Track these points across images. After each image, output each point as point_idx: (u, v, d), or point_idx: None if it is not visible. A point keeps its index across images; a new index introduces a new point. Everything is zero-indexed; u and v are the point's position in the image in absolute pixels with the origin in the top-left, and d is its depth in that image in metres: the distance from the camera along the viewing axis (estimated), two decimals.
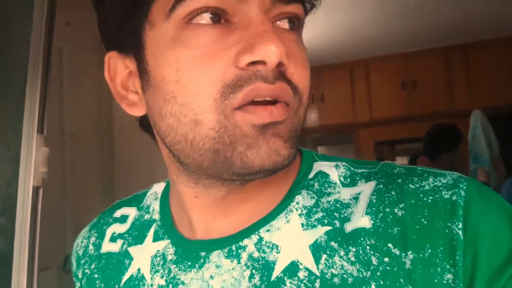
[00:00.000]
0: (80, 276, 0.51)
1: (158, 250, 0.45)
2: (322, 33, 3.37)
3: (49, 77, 0.78)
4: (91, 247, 0.51)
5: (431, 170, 0.40)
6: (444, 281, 0.34)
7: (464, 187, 0.36)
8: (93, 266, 0.50)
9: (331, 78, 4.13)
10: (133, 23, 0.38)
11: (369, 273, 0.36)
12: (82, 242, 0.53)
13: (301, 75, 0.38)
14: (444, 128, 2.59)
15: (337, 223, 0.39)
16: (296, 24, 0.39)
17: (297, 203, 0.41)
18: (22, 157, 0.74)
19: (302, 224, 0.40)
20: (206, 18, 0.35)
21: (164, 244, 0.45)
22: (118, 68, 0.42)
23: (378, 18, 3.14)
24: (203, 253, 0.41)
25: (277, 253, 0.39)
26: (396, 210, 0.37)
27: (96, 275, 0.49)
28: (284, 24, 0.38)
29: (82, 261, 0.51)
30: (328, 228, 0.39)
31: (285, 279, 0.37)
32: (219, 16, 0.36)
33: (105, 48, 0.43)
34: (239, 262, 0.40)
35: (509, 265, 0.33)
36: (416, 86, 3.73)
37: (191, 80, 0.35)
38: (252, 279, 0.38)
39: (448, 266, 0.34)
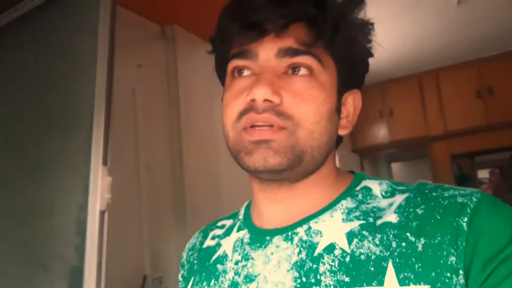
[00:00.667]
0: (185, 264, 0.69)
1: (239, 237, 0.61)
2: (383, 47, 3.33)
3: (111, 117, 0.92)
4: (197, 244, 0.70)
5: (456, 187, 0.51)
6: (449, 262, 0.44)
7: (478, 196, 0.47)
8: (195, 255, 0.68)
9: (399, 91, 4.01)
10: (222, 75, 0.61)
11: (388, 253, 0.47)
12: (192, 240, 0.72)
13: (299, 107, 0.51)
14: None
15: (371, 219, 0.51)
16: (308, 70, 0.53)
17: (341, 205, 0.55)
18: (90, 186, 0.88)
19: (343, 219, 0.53)
20: (239, 73, 0.55)
21: (243, 232, 0.61)
22: None
23: (443, 27, 3.03)
24: (268, 237, 0.56)
25: (320, 236, 0.52)
26: (417, 210, 0.49)
27: (195, 261, 0.67)
28: (294, 71, 0.53)
29: (190, 253, 0.69)
30: (362, 222, 0.51)
31: (324, 254, 0.50)
32: (245, 70, 0.55)
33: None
34: (292, 243, 0.54)
35: (503, 252, 0.42)
36: (492, 93, 3.49)
37: (226, 109, 0.55)
38: (300, 254, 0.52)
39: (452, 250, 0.44)
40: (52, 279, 0.93)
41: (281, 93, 0.51)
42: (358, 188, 0.57)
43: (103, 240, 0.87)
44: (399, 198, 0.52)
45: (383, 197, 0.54)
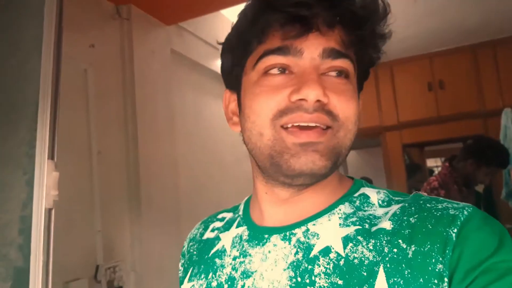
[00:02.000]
0: (186, 253, 0.71)
1: (238, 233, 0.62)
2: None
3: (58, 108, 0.86)
4: (198, 235, 0.72)
5: (450, 200, 0.52)
6: (436, 270, 0.45)
7: (469, 210, 0.48)
8: (195, 246, 0.70)
9: None
10: (236, 71, 0.59)
11: (380, 257, 0.48)
12: (194, 231, 0.74)
13: (343, 107, 0.52)
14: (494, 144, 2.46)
15: (366, 226, 0.53)
16: (345, 73, 0.54)
17: (339, 209, 0.56)
18: (35, 182, 0.81)
19: (340, 224, 0.54)
20: (275, 70, 0.53)
21: (243, 229, 0.62)
22: (230, 100, 0.63)
23: (399, 21, 3.10)
24: (266, 235, 0.58)
25: (317, 239, 0.54)
26: (411, 218, 0.50)
27: (195, 252, 0.68)
28: (334, 74, 0.53)
29: (191, 244, 0.71)
30: (358, 227, 0.53)
31: (320, 256, 0.52)
32: (284, 69, 0.53)
33: (225, 86, 0.65)
34: (289, 243, 0.55)
35: (484, 263, 0.44)
36: (443, 86, 3.64)
37: (259, 106, 0.53)
38: (296, 255, 0.54)
39: (440, 258, 0.45)
40: None
41: (327, 93, 0.51)
42: (356, 194, 0.58)
43: (50, 239, 0.81)
44: (394, 207, 0.54)
45: (380, 206, 0.56)
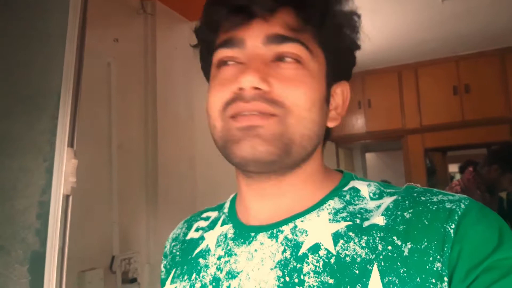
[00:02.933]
0: (168, 254, 0.68)
1: (223, 231, 0.60)
2: (365, 38, 3.33)
3: (79, 99, 0.88)
4: (181, 235, 0.69)
5: (445, 192, 0.50)
6: (434, 268, 0.43)
7: (466, 203, 0.46)
8: (178, 247, 0.67)
9: (378, 83, 4.04)
10: (207, 66, 0.59)
11: (374, 255, 0.46)
12: (177, 231, 0.71)
13: (289, 93, 0.50)
14: None
15: (358, 221, 0.51)
16: (296, 58, 0.51)
17: (329, 205, 0.54)
18: (54, 169, 0.84)
19: (329, 219, 0.52)
20: (225, 63, 0.53)
21: (228, 227, 0.60)
22: None
23: (425, 22, 3.04)
24: (252, 234, 0.55)
25: (305, 236, 0.51)
26: (405, 213, 0.48)
27: (178, 253, 0.66)
28: (283, 59, 0.51)
29: (173, 244, 0.69)
30: (349, 223, 0.51)
31: (309, 254, 0.49)
32: (233, 60, 0.53)
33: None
34: (276, 241, 0.53)
35: (486, 261, 0.42)
36: (468, 90, 3.56)
37: (212, 99, 0.53)
38: (284, 253, 0.51)
39: (438, 256, 0.43)
40: (12, 263, 0.89)
41: (270, 80, 0.49)
42: (346, 188, 0.56)
43: (66, 225, 0.84)
44: (387, 201, 0.51)
45: (371, 198, 0.54)
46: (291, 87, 0.50)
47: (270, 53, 0.51)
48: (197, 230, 0.67)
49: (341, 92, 0.59)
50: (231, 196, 0.68)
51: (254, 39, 0.51)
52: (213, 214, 0.68)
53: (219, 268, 0.55)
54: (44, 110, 0.89)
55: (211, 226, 0.64)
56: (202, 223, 0.67)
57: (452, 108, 3.64)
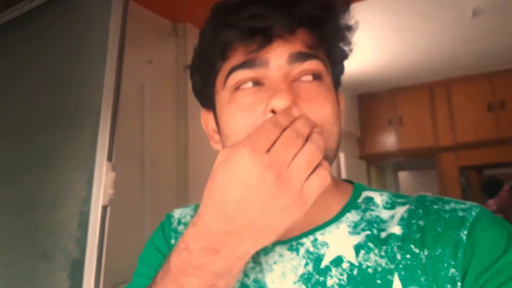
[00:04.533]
0: (172, 237, 0.64)
1: None
2: (396, 55, 3.32)
3: (117, 116, 0.94)
4: (189, 217, 0.65)
5: (455, 199, 0.52)
6: (449, 274, 0.44)
7: (477, 210, 0.48)
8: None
9: (409, 100, 4.00)
10: (208, 91, 0.57)
11: (393, 265, 0.47)
12: (187, 211, 0.67)
13: (317, 112, 0.50)
14: None
15: (375, 231, 0.52)
16: (318, 75, 0.52)
17: (347, 218, 0.54)
18: (94, 181, 0.89)
19: (349, 232, 0.52)
20: (246, 85, 0.51)
21: None
22: (208, 119, 0.61)
23: (456, 38, 3.01)
24: (269, 245, 0.53)
25: (327, 248, 0.51)
26: (420, 222, 0.50)
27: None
28: (308, 77, 0.52)
29: (184, 221, 0.65)
30: (368, 233, 0.52)
31: (332, 267, 0.50)
32: (255, 82, 0.51)
33: (201, 105, 0.62)
34: (297, 254, 0.52)
35: (495, 264, 0.43)
36: (504, 106, 3.47)
37: (236, 124, 0.51)
38: (307, 266, 0.51)
39: (452, 262, 0.45)
40: (54, 270, 0.94)
41: (297, 102, 0.49)
42: (360, 200, 0.56)
43: (104, 234, 0.88)
44: (400, 210, 0.53)
45: (384, 207, 0.54)
46: (319, 106, 0.50)
47: (294, 72, 0.51)
48: None
49: (339, 101, 0.59)
50: None
51: (278, 58, 0.50)
52: None
53: (246, 275, 0.54)
54: (85, 126, 0.96)
55: None
56: None
57: (487, 125, 3.54)
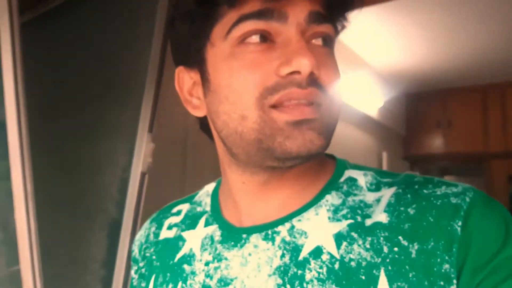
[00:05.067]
0: (140, 260, 0.62)
1: (208, 233, 0.54)
2: (448, 55, 3.21)
3: (159, 90, 1.01)
4: (151, 235, 0.62)
5: (445, 181, 0.47)
6: (442, 270, 0.40)
7: (471, 195, 0.43)
8: (152, 250, 0.60)
9: (460, 102, 3.86)
10: (198, 43, 0.49)
11: (380, 259, 0.43)
12: (144, 232, 0.64)
13: (332, 80, 0.46)
14: None
15: (359, 218, 0.46)
16: (328, 41, 0.48)
17: (327, 200, 0.49)
18: (135, 150, 0.97)
19: (329, 217, 0.47)
20: (255, 38, 0.45)
21: (213, 228, 0.54)
22: (185, 79, 0.53)
23: (510, 39, 2.87)
24: (244, 235, 0.50)
25: (305, 238, 0.47)
26: (409, 209, 0.45)
27: (154, 257, 0.59)
28: (318, 41, 0.47)
29: (144, 247, 0.62)
30: (351, 221, 0.46)
31: (310, 259, 0.45)
32: (265, 37, 0.45)
33: (174, 64, 0.55)
34: (273, 244, 0.48)
35: (493, 260, 0.40)
36: None
37: (240, 84, 0.44)
38: (283, 258, 0.46)
39: (446, 257, 0.41)
40: (94, 228, 1.04)
41: (318, 66, 0.44)
42: (342, 179, 0.51)
43: (141, 198, 0.96)
44: (387, 193, 0.48)
45: (369, 189, 0.50)
46: (333, 74, 0.46)
47: (309, 33, 0.46)
48: (169, 227, 0.60)
49: None
50: (210, 190, 0.61)
51: (298, 14, 0.44)
52: (183, 207, 0.62)
53: (208, 275, 0.50)
54: (130, 100, 1.04)
55: (189, 224, 0.58)
56: (174, 219, 0.61)
57: None
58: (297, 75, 0.43)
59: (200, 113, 0.52)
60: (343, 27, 0.51)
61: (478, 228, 0.41)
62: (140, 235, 0.65)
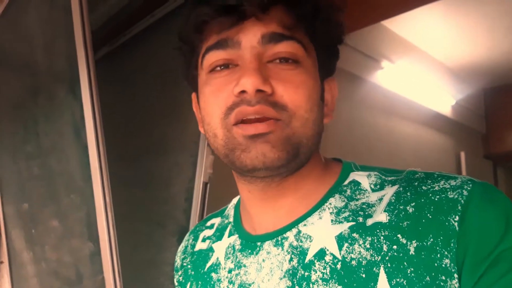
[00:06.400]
0: (179, 268, 0.68)
1: (230, 243, 0.59)
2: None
3: None
4: (189, 247, 0.68)
5: (446, 174, 0.48)
6: (443, 265, 0.41)
7: (469, 189, 0.44)
8: (188, 260, 0.66)
9: None
10: (192, 73, 0.56)
11: (379, 257, 0.44)
12: (184, 243, 0.71)
13: (292, 95, 0.48)
14: None
15: (361, 219, 0.48)
16: (294, 58, 0.49)
17: (330, 204, 0.52)
18: (198, 162, 1.07)
19: (332, 220, 0.50)
20: (218, 67, 0.50)
21: (234, 238, 0.59)
22: (196, 103, 0.59)
23: None
24: (259, 243, 0.55)
25: (310, 242, 0.50)
26: (408, 207, 0.46)
27: (189, 266, 0.65)
28: (280, 60, 0.49)
29: (182, 257, 0.68)
30: (352, 223, 0.49)
31: (315, 261, 0.48)
32: (228, 64, 0.50)
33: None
34: (282, 249, 0.52)
35: (493, 252, 0.40)
36: None
37: (210, 107, 0.50)
38: (291, 262, 0.50)
39: (445, 252, 0.42)
40: (166, 235, 1.15)
41: (271, 82, 0.47)
42: (346, 182, 0.54)
43: (204, 205, 1.06)
44: (389, 192, 0.49)
45: (372, 190, 0.51)
46: (293, 89, 0.48)
47: (268, 53, 0.49)
48: (203, 240, 0.65)
49: (329, 88, 0.57)
50: (234, 202, 0.66)
51: (251, 39, 0.48)
52: (216, 221, 0.67)
53: (231, 281, 0.55)
54: (191, 118, 1.14)
55: (218, 235, 0.63)
56: (208, 232, 0.66)
57: None
58: (246, 93, 0.47)
59: (203, 131, 0.58)
60: (331, 37, 0.54)
61: (476, 221, 0.41)
62: (181, 247, 0.71)
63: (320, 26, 0.52)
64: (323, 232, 0.50)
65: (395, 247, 0.44)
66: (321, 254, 0.48)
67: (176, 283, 0.68)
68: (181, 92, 1.17)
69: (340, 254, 0.47)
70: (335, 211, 0.51)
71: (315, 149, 0.53)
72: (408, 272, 0.42)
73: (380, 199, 0.49)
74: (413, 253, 0.43)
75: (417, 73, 3.13)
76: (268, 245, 0.53)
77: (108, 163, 1.05)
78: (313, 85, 0.51)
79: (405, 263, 0.43)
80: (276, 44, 0.49)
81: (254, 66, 0.47)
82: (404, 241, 0.44)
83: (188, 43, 0.55)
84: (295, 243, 0.51)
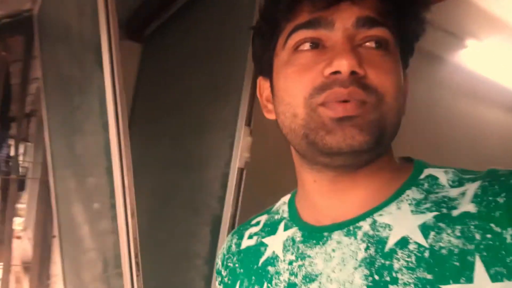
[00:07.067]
0: (223, 271, 0.67)
1: (288, 236, 0.58)
2: None
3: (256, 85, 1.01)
4: (233, 246, 0.67)
5: None
6: None
7: None
8: (234, 259, 0.65)
9: None
10: (267, 55, 0.56)
11: (473, 246, 0.42)
12: (226, 244, 0.69)
13: (382, 80, 0.48)
14: None
15: (444, 210, 0.46)
16: (384, 44, 0.49)
17: (407, 195, 0.50)
18: (235, 144, 0.97)
19: (412, 211, 0.48)
20: (307, 45, 0.50)
21: (292, 231, 0.58)
22: (264, 87, 0.61)
23: None
24: (326, 233, 0.53)
25: (389, 230, 0.48)
26: (498, 198, 0.44)
27: (237, 265, 0.64)
28: (371, 44, 0.49)
29: (226, 257, 0.67)
30: (436, 213, 0.46)
31: (397, 249, 0.46)
32: (316, 44, 0.50)
33: (257, 73, 0.63)
34: (355, 238, 0.49)
35: None
36: None
37: (292, 86, 0.50)
38: (368, 250, 0.48)
39: None
40: (201, 224, 1.07)
41: (363, 65, 0.47)
42: (422, 176, 0.52)
43: (239, 195, 0.95)
44: (471, 187, 0.47)
45: (451, 186, 0.49)
46: (383, 74, 0.48)
47: (360, 37, 0.49)
48: (250, 237, 0.65)
49: (406, 83, 0.55)
50: (286, 199, 0.65)
51: (345, 21, 0.49)
52: (262, 218, 0.66)
53: (292, 273, 0.53)
54: (230, 95, 1.05)
55: (268, 230, 0.62)
56: (254, 229, 0.65)
57: None
58: (339, 75, 0.46)
59: (271, 116, 0.59)
60: (415, 32, 0.54)
61: None
62: (222, 248, 0.70)
63: (408, 19, 0.52)
64: (403, 222, 0.48)
65: (489, 236, 0.42)
66: (403, 242, 0.46)
67: (219, 286, 0.68)
68: (221, 68, 1.11)
69: (427, 242, 0.45)
70: (414, 202, 0.49)
71: (391, 141, 0.52)
72: (508, 261, 0.40)
73: (463, 193, 0.47)
74: (510, 241, 0.41)
75: (507, 53, 2.79)
76: (337, 234, 0.52)
77: (146, 143, 1.00)
78: (400, 73, 0.51)
79: (503, 251, 0.41)
80: (370, 28, 0.49)
81: (349, 48, 0.47)
82: (499, 230, 0.42)
83: (271, 22, 0.55)
84: (371, 232, 0.49)
